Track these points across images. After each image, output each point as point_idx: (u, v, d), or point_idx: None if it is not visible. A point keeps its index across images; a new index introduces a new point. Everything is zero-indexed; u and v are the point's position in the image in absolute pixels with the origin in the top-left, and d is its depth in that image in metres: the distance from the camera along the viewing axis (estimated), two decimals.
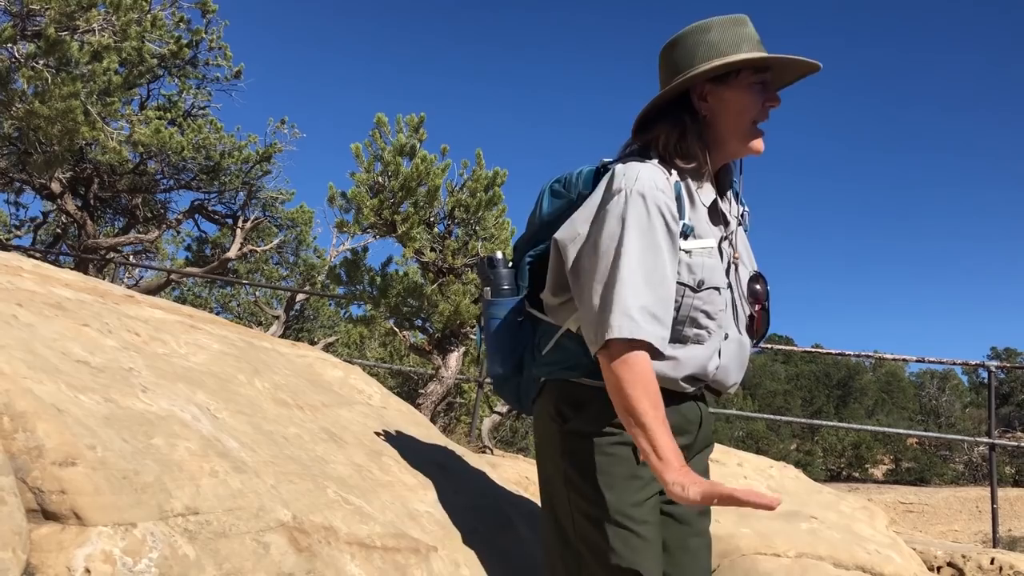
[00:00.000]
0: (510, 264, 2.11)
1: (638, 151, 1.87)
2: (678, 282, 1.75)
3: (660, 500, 1.85)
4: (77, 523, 1.35)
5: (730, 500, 1.46)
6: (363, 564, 1.82)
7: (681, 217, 1.77)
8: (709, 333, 1.82)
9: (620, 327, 1.63)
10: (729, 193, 1.96)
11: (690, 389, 1.86)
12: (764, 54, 1.80)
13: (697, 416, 1.91)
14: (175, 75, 11.57)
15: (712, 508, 2.02)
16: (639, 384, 1.61)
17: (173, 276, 12.95)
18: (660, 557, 1.77)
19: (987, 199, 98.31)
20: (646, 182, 1.74)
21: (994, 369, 7.04)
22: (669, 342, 1.72)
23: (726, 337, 1.86)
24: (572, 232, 1.81)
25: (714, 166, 1.88)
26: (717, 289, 1.80)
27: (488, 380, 7.88)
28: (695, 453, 1.94)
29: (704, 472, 1.99)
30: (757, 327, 1.92)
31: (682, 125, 1.83)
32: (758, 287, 1.93)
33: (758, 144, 1.84)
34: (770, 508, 1.44)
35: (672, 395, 1.81)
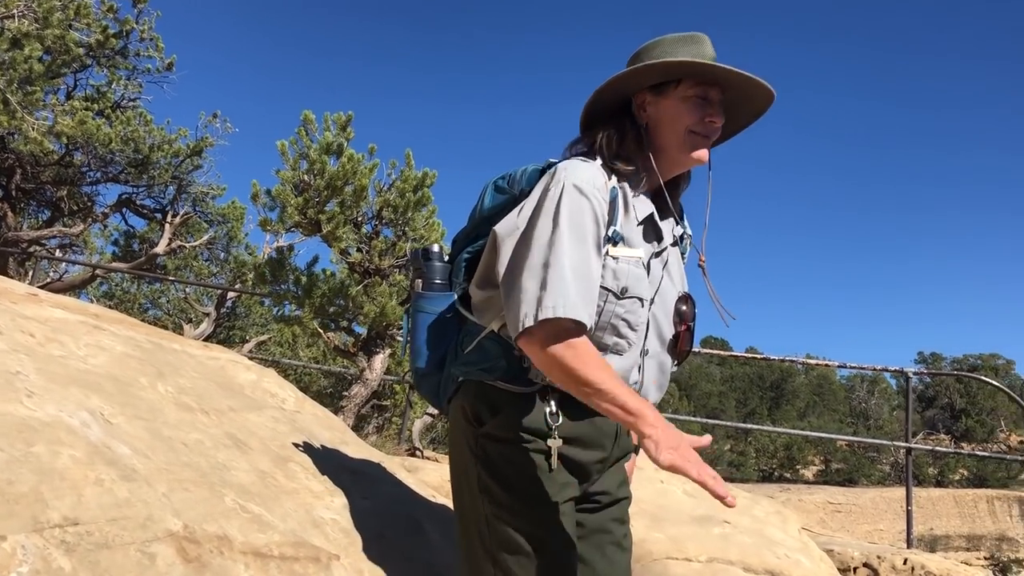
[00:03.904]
0: (445, 258, 2.07)
1: (583, 152, 1.85)
2: (601, 286, 1.72)
3: (575, 509, 1.83)
4: None
5: (694, 479, 1.48)
6: (257, 574, 1.78)
7: (612, 223, 1.75)
8: (629, 344, 1.79)
9: (555, 307, 1.60)
10: (675, 216, 1.92)
11: None
12: (700, 61, 1.74)
13: (613, 429, 1.86)
14: (104, 65, 11.23)
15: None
16: (589, 357, 1.61)
17: (99, 271, 12.60)
18: (576, 566, 1.74)
19: (923, 204, 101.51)
20: (584, 178, 1.73)
21: (912, 375, 7.25)
22: None
23: (646, 353, 1.83)
24: (511, 225, 1.78)
25: (662, 176, 1.83)
26: (640, 300, 1.78)
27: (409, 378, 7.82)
28: (611, 464, 1.91)
29: (624, 481, 1.97)
30: (681, 347, 1.89)
31: (622, 129, 1.82)
32: (684, 307, 1.88)
33: (700, 154, 1.80)
34: (727, 503, 1.45)
35: (585, 405, 1.77)
